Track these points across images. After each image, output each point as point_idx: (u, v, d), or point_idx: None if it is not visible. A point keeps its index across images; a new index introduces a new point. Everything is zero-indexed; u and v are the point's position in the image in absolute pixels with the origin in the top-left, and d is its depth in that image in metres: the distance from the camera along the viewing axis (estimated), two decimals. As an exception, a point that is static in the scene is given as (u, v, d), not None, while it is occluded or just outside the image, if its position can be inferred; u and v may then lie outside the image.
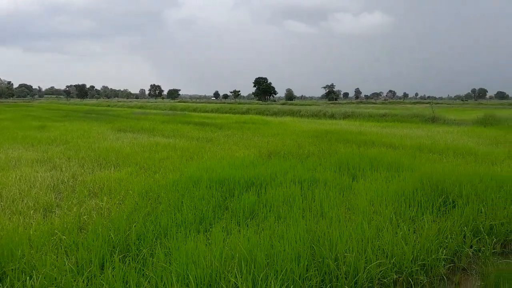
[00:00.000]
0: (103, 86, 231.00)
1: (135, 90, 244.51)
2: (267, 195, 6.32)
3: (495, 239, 5.22)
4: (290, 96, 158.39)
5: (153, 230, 4.88)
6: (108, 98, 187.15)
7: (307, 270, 3.79)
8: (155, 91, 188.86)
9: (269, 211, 5.68)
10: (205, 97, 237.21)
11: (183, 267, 3.70)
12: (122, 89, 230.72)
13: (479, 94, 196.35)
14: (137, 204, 6.04)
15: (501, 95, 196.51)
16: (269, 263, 3.81)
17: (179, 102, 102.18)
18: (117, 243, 4.53)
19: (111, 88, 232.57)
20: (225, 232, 4.81)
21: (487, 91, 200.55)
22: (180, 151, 11.61)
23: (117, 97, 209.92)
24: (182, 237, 4.53)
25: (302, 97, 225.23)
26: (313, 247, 4.22)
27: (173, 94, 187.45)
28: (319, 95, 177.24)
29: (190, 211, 5.56)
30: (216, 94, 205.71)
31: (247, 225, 5.09)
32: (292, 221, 5.01)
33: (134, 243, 4.54)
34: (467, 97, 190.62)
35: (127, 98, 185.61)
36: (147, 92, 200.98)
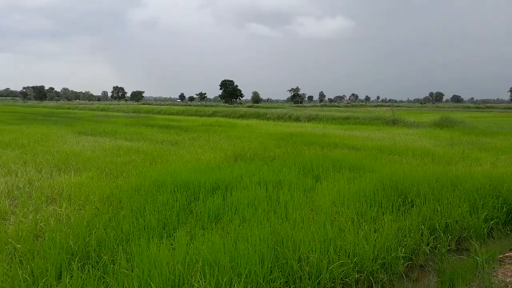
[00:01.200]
0: (64, 88, 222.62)
1: (97, 92, 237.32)
2: (233, 198, 6.31)
3: (450, 237, 5.48)
4: (256, 99, 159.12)
5: (114, 236, 4.76)
6: (69, 100, 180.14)
7: (271, 272, 3.82)
8: (118, 93, 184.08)
9: (234, 214, 5.67)
10: (170, 99, 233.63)
11: (145, 273, 3.63)
12: (83, 91, 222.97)
13: (437, 97, 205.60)
14: (98, 209, 5.87)
15: (456, 99, 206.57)
16: (233, 266, 3.80)
17: (143, 104, 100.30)
18: (76, 250, 4.39)
19: (71, 90, 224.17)
20: (189, 237, 4.76)
21: (444, 95, 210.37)
22: (143, 155, 11.38)
23: (78, 99, 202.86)
24: (145, 243, 4.44)
25: (269, 100, 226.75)
26: (277, 248, 4.26)
27: (137, 96, 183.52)
28: (285, 98, 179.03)
29: (153, 216, 5.46)
30: (182, 97, 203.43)
31: (212, 229, 5.06)
32: (257, 223, 5.03)
33: (94, 250, 4.40)
34: (426, 100, 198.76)
35: (88, 101, 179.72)
36: (109, 94, 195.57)
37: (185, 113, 46.50)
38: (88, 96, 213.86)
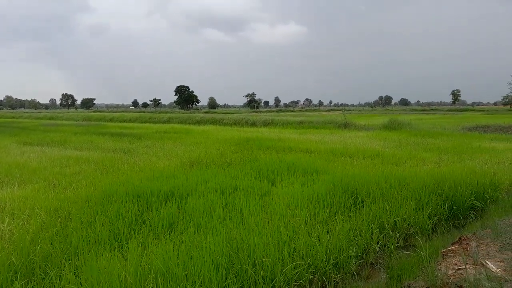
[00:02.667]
0: (7, 96, 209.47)
1: (44, 100, 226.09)
2: (188, 206, 6.24)
3: (398, 234, 5.75)
4: (213, 104, 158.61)
5: (62, 250, 4.55)
6: (13, 109, 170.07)
7: (226, 278, 3.81)
8: (67, 100, 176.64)
9: (189, 222, 5.61)
10: (123, 106, 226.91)
11: (94, 287, 3.50)
12: (29, 99, 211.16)
13: (386, 101, 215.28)
14: (44, 223, 5.57)
15: (404, 102, 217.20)
16: (187, 275, 3.76)
17: (94, 112, 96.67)
18: (19, 267, 4.14)
19: (16, 98, 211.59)
20: (142, 247, 4.64)
21: (392, 98, 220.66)
22: (94, 164, 10.97)
23: (24, 107, 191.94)
24: (95, 255, 4.28)
25: (225, 106, 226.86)
26: (232, 254, 4.26)
27: (88, 103, 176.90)
28: (242, 104, 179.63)
29: (105, 227, 5.28)
30: (135, 103, 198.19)
31: (166, 238, 4.97)
32: (212, 230, 5.01)
33: (39, 266, 4.18)
34: (375, 104, 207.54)
35: (35, 109, 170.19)
36: (58, 102, 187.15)
37: (139, 120, 45.42)
38: (34, 104, 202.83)
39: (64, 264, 4.25)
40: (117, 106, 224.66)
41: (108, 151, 14.59)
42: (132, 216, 5.79)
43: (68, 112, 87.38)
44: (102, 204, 6.41)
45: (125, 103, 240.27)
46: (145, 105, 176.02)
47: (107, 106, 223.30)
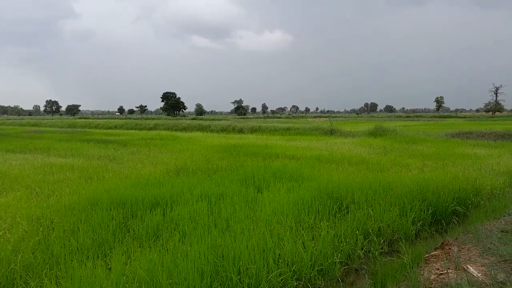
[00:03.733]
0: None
1: (28, 107, 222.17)
2: (173, 214, 6.20)
3: (382, 240, 5.81)
4: (200, 111, 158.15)
5: (44, 260, 4.47)
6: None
7: (211, 286, 3.79)
8: (52, 107, 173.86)
9: (174, 229, 5.57)
10: (108, 112, 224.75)
11: (77, 298, 3.45)
12: (12, 106, 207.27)
13: (371, 108, 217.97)
14: (26, 232, 5.47)
15: (389, 109, 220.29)
16: (171, 283, 3.73)
17: (79, 118, 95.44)
18: (-1, 277, 4.05)
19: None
20: (126, 256, 4.59)
21: (378, 105, 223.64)
22: (78, 172, 10.82)
23: (6, 114, 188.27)
24: (77, 265, 4.21)
25: (213, 112, 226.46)
26: (217, 262, 4.24)
27: (73, 110, 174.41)
28: (229, 110, 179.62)
29: (88, 235, 5.21)
30: (121, 110, 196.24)
31: (150, 247, 4.93)
32: (197, 238, 4.98)
33: (20, 276, 4.09)
34: (361, 110, 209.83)
35: (18, 115, 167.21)
36: (42, 109, 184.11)
37: (125, 127, 44.99)
38: (17, 111, 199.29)
39: (45, 274, 4.18)
40: (103, 113, 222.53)
41: (93, 158, 14.41)
42: (116, 224, 5.73)
43: (53, 119, 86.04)
44: (86, 212, 6.33)
45: (111, 110, 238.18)
46: (131, 111, 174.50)
47: (92, 113, 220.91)
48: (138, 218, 6.02)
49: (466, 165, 11.64)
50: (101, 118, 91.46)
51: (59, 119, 79.79)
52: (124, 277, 3.80)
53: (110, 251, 4.85)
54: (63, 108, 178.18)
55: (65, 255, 4.55)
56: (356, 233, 5.60)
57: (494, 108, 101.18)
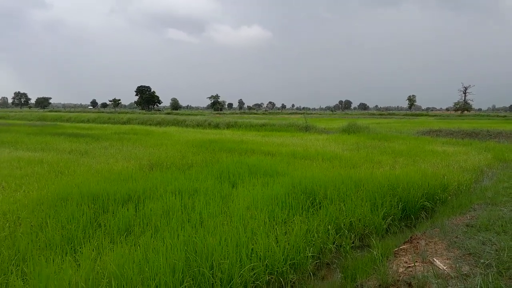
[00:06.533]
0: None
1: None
2: (146, 209, 6.12)
3: (354, 234, 5.93)
4: (175, 105, 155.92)
5: (10, 256, 4.33)
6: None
7: (183, 281, 3.77)
8: (20, 99, 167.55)
9: (147, 225, 5.51)
10: (81, 106, 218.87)
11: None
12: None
13: (345, 105, 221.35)
14: (-10, 228, 5.27)
15: (363, 106, 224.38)
16: (142, 279, 3.69)
17: (50, 111, 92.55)
18: (-40, 277, 3.89)
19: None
20: (96, 252, 4.50)
21: (352, 103, 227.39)
22: (48, 166, 10.50)
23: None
24: (45, 261, 4.10)
25: (189, 107, 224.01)
26: (189, 257, 4.22)
27: (43, 103, 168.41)
28: (206, 105, 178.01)
29: (57, 231, 5.08)
30: (94, 103, 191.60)
31: (122, 242, 4.85)
32: (170, 233, 4.94)
33: (-17, 275, 3.95)
34: (336, 108, 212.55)
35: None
36: (10, 101, 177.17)
37: (97, 121, 43.99)
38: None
39: (11, 270, 4.05)
40: (75, 106, 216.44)
41: (64, 152, 14.02)
42: (86, 219, 5.60)
43: (21, 112, 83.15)
44: (55, 207, 6.16)
45: (83, 103, 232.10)
46: (104, 105, 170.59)
47: (64, 106, 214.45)
48: (110, 213, 5.91)
49: (435, 162, 12.01)
50: (73, 112, 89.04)
51: (28, 112, 77.12)
52: (94, 273, 3.72)
53: (80, 247, 4.75)
54: (33, 101, 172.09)
55: (32, 251, 4.42)
56: (328, 228, 5.70)
57: (463, 107, 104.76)
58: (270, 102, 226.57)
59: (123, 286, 3.52)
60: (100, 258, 4.26)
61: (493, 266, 4.11)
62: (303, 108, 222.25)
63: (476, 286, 3.58)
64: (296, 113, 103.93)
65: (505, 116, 79.31)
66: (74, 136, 20.98)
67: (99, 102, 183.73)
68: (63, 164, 10.88)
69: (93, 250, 4.52)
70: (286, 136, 23.21)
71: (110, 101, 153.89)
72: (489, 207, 6.82)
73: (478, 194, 8.10)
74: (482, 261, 4.32)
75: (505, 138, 23.03)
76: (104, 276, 3.68)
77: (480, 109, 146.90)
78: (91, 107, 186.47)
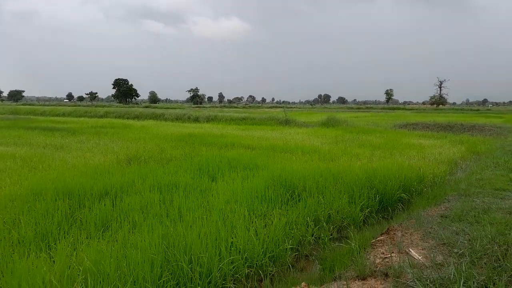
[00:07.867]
0: None
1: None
2: (123, 204, 6.03)
3: (332, 226, 6.00)
4: (154, 99, 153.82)
5: (-20, 255, 4.18)
6: None
7: (161, 276, 3.74)
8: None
9: (124, 220, 5.42)
10: (56, 99, 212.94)
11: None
12: None
13: (325, 99, 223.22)
14: (-40, 225, 5.09)
15: (341, 100, 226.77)
16: (120, 274, 3.63)
17: (23, 105, 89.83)
18: None
19: None
20: (72, 247, 4.41)
21: (331, 97, 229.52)
22: (21, 161, 10.19)
23: None
24: (17, 258, 3.98)
25: (167, 100, 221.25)
26: (168, 252, 4.18)
27: (16, 96, 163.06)
28: (185, 99, 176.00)
29: (30, 227, 4.94)
30: (70, 96, 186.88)
31: (99, 238, 4.76)
32: (148, 228, 4.87)
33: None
34: (315, 101, 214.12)
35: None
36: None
37: (73, 114, 42.98)
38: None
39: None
40: (50, 99, 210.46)
41: (38, 147, 13.64)
42: (62, 215, 5.48)
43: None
44: (29, 203, 5.99)
45: (58, 96, 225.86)
46: (80, 98, 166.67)
47: (38, 99, 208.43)
48: (86, 209, 5.80)
49: (411, 155, 12.26)
50: (48, 105, 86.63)
51: (0, 105, 74.61)
52: (69, 269, 3.64)
53: (55, 244, 4.63)
54: (5, 94, 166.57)
55: (4, 248, 4.29)
56: (307, 220, 5.75)
57: (438, 101, 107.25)
58: (250, 96, 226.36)
59: (100, 282, 3.45)
60: (76, 254, 4.17)
61: (466, 256, 4.23)
62: (283, 102, 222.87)
63: (449, 275, 3.67)
64: (276, 107, 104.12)
65: (478, 110, 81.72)
66: (49, 130, 20.43)
67: (76, 95, 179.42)
68: (37, 159, 10.58)
69: (69, 246, 4.42)
70: (266, 129, 23.24)
71: (87, 94, 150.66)
72: (463, 198, 7.01)
73: (452, 186, 8.32)
74: (455, 250, 4.44)
75: (478, 131, 23.74)
76: (80, 272, 3.61)
77: (454, 103, 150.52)
78: (67, 100, 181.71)
